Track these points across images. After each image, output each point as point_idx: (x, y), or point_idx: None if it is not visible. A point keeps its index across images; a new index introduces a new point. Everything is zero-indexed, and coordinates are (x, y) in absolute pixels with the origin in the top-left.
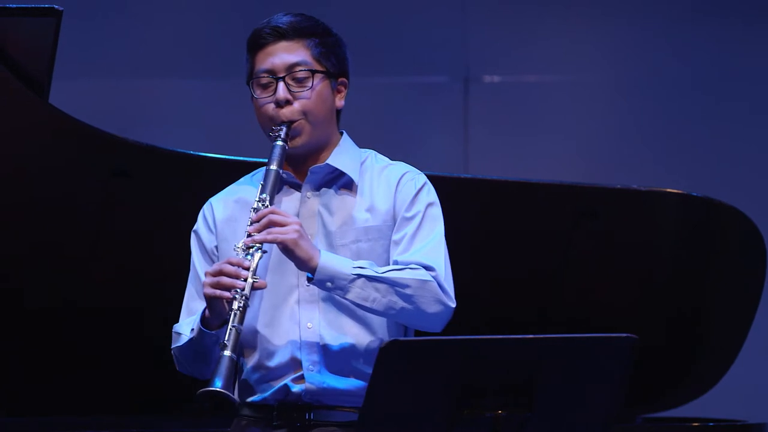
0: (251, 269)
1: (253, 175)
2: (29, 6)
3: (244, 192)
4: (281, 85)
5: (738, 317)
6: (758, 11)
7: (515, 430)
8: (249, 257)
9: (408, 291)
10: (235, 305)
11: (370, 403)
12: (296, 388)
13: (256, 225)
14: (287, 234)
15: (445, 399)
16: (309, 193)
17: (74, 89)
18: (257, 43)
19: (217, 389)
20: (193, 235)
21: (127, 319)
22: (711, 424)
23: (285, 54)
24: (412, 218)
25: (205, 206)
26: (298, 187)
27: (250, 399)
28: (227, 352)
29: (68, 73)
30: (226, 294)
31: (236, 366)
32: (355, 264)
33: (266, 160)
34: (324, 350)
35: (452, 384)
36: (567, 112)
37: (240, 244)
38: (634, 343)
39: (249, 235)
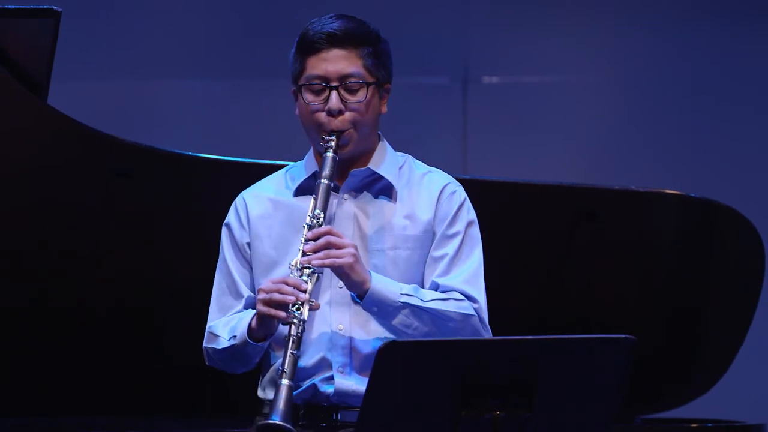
0: (308, 292)
1: (287, 170)
2: (28, 7)
3: (279, 191)
4: (334, 94)
5: (737, 318)
6: (758, 11)
7: (515, 431)
8: (306, 279)
9: (451, 324)
10: (293, 331)
11: (370, 403)
12: (325, 388)
13: (311, 244)
14: (344, 258)
15: (445, 399)
16: (346, 195)
17: (74, 90)
18: (311, 47)
19: (278, 422)
20: (224, 229)
21: (127, 319)
22: (710, 424)
23: (339, 62)
24: (452, 237)
25: (238, 201)
26: (335, 189)
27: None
28: (285, 381)
29: (68, 73)
30: (282, 314)
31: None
32: (403, 290)
33: (266, 161)
34: (354, 352)
35: (452, 384)
36: (566, 112)
37: (295, 263)
38: (632, 344)
39: (304, 254)
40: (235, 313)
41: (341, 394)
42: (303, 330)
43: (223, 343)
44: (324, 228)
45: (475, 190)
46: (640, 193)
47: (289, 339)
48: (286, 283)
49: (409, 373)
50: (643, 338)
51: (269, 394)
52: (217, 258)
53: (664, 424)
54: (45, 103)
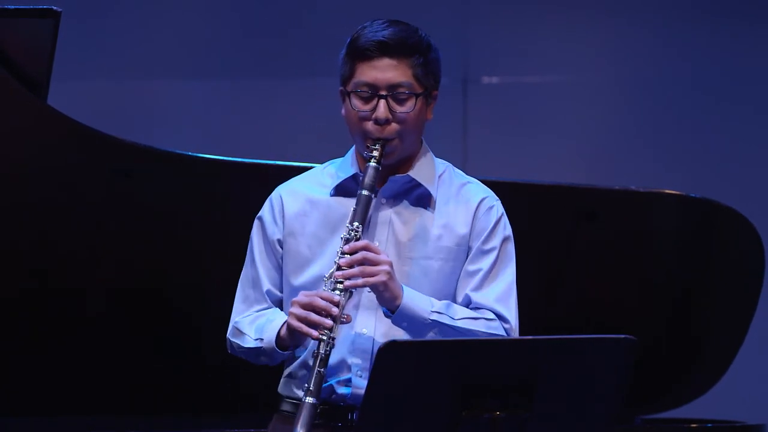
0: (341, 306)
1: (325, 167)
2: (28, 7)
3: (316, 189)
4: (382, 104)
5: (737, 318)
6: (758, 11)
7: (515, 431)
8: (339, 293)
9: None
10: (322, 349)
11: (370, 403)
12: (342, 390)
13: (347, 258)
14: (378, 277)
15: (445, 399)
16: (384, 200)
17: (74, 90)
18: (362, 53)
19: None
20: (257, 222)
21: (128, 319)
22: (710, 424)
23: (389, 72)
24: (488, 252)
25: (274, 196)
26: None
27: (293, 395)
28: (310, 399)
29: (68, 73)
30: (314, 333)
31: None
32: (434, 308)
33: (267, 161)
34: (374, 357)
35: (452, 384)
36: (566, 112)
37: (330, 275)
38: (632, 345)
39: (339, 268)
40: (261, 310)
41: (358, 398)
42: (332, 347)
43: (250, 342)
44: (361, 243)
45: None
46: (641, 193)
47: (317, 357)
48: (322, 298)
49: (409, 372)
50: (643, 338)
51: (290, 391)
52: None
53: (664, 424)
54: (45, 103)
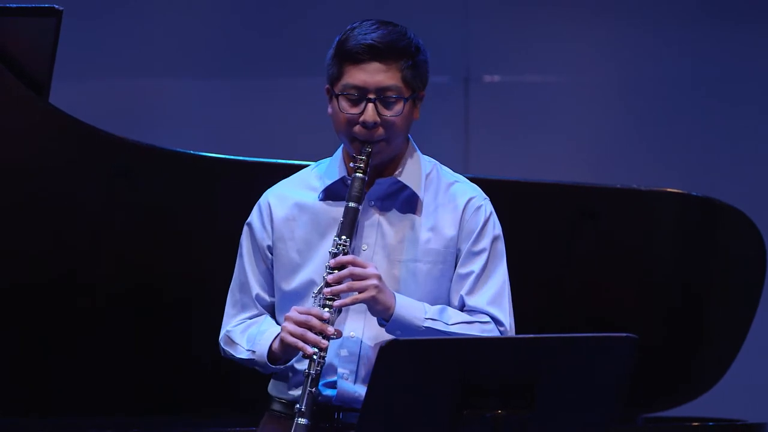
0: (330, 322)
1: (313, 169)
2: (29, 6)
3: (304, 194)
4: (370, 107)
5: (738, 317)
6: (758, 11)
7: (516, 430)
8: (329, 311)
9: None
10: (313, 369)
11: (370, 403)
12: (327, 392)
13: (335, 275)
14: (367, 292)
15: (445, 399)
16: (371, 202)
17: (74, 89)
18: (351, 56)
19: None
20: (246, 228)
21: (129, 318)
22: (711, 423)
23: (378, 75)
24: (479, 254)
25: (262, 201)
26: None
27: (281, 395)
28: (303, 421)
29: (68, 73)
30: (309, 350)
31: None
32: (427, 314)
33: (266, 159)
34: (361, 361)
35: (452, 384)
36: (567, 112)
37: (318, 290)
38: (634, 343)
39: (327, 284)
40: (251, 316)
41: (343, 400)
42: (323, 365)
43: (242, 353)
44: (348, 257)
45: None
46: (642, 192)
47: (308, 377)
48: (315, 317)
49: (410, 372)
50: (644, 337)
51: (279, 391)
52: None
53: (665, 423)
54: (46, 102)
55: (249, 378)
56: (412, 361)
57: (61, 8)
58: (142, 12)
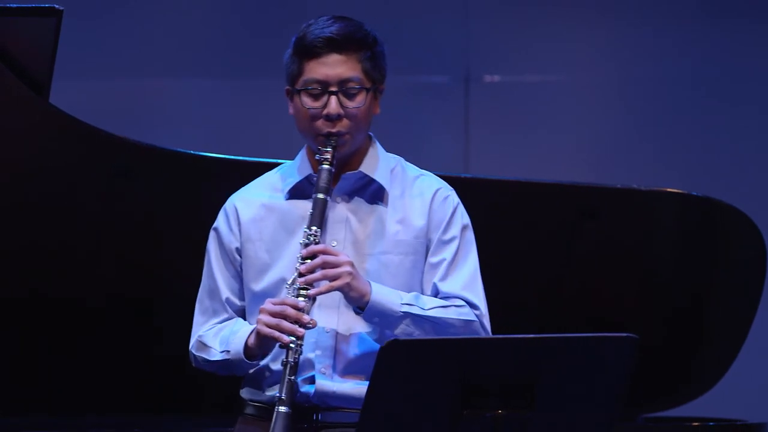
0: (306, 311)
1: (276, 171)
2: (30, 6)
3: (270, 194)
4: (333, 99)
5: (738, 317)
6: (758, 11)
7: (516, 430)
8: (303, 300)
9: (452, 330)
10: (291, 357)
11: (370, 403)
12: (306, 388)
13: (307, 264)
14: (341, 279)
15: (446, 399)
16: (338, 198)
17: (74, 89)
18: (310, 51)
19: None
20: (212, 233)
21: (128, 318)
22: (711, 423)
23: (338, 67)
24: (449, 242)
25: (228, 205)
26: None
27: (256, 398)
28: (284, 408)
29: (68, 73)
30: (285, 339)
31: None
32: (404, 300)
33: (266, 159)
34: (338, 355)
35: (452, 384)
36: (567, 112)
37: (291, 281)
38: (634, 343)
39: (300, 275)
40: (222, 321)
41: (321, 395)
42: (301, 354)
43: (215, 355)
44: (320, 246)
45: (477, 189)
46: (642, 191)
47: (286, 365)
48: (292, 306)
49: (410, 372)
50: (644, 337)
51: (252, 394)
52: None
53: (666, 423)
54: (47, 102)
55: (221, 379)
56: (412, 361)
57: (61, 8)
58: (142, 12)
